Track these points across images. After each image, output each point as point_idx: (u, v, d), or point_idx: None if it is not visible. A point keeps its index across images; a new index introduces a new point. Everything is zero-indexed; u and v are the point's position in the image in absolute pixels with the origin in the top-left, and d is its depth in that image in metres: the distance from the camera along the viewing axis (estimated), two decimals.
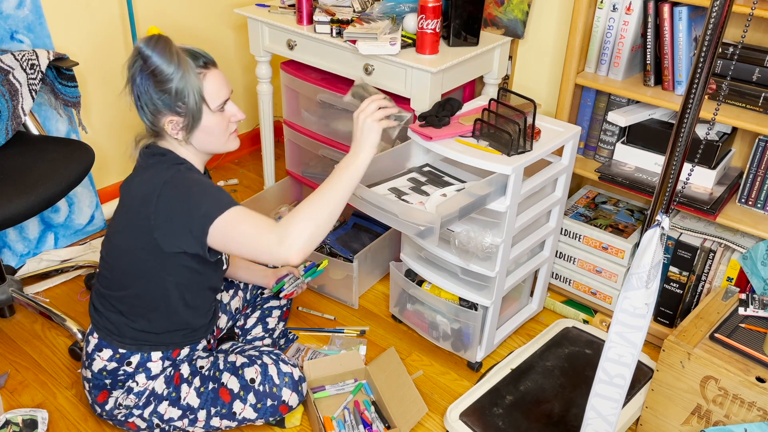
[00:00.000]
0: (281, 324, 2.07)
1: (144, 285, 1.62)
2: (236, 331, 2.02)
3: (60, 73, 2.20)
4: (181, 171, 1.54)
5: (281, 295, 2.01)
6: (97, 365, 1.67)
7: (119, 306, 1.65)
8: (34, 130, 2.20)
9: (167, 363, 1.69)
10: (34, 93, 2.11)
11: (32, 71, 2.09)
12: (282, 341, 2.11)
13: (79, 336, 2.03)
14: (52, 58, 2.13)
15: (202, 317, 1.73)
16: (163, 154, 1.57)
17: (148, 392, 1.68)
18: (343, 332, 2.20)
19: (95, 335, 1.68)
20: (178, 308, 1.65)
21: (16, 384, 1.98)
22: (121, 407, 1.69)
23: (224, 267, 1.75)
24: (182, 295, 1.65)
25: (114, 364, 1.66)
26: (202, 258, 1.54)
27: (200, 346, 1.77)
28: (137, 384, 1.67)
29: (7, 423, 1.79)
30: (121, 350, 1.65)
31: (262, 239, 1.44)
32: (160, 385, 1.69)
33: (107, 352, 1.66)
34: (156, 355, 1.67)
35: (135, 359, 1.66)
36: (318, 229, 1.45)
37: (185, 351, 1.72)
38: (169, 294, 1.63)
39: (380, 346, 2.15)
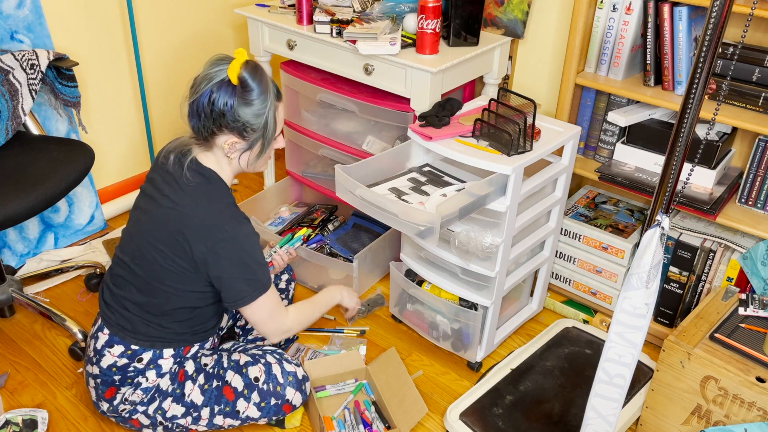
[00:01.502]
0: None
1: (166, 295, 1.63)
2: (236, 330, 2.02)
3: (60, 73, 2.20)
4: (242, 224, 1.58)
5: None
6: (107, 361, 1.67)
7: (135, 309, 1.65)
8: (34, 130, 2.19)
9: (177, 360, 1.70)
10: (34, 93, 2.11)
11: (32, 71, 2.09)
12: (282, 341, 2.11)
13: (80, 336, 2.03)
14: (52, 58, 2.13)
15: (215, 318, 1.76)
16: (209, 177, 1.59)
17: (153, 388, 1.68)
18: (343, 332, 2.20)
19: (105, 331, 1.68)
20: (194, 314, 1.67)
21: (16, 384, 1.98)
22: (126, 403, 1.69)
23: None
24: (201, 304, 1.67)
25: (125, 360, 1.66)
26: None
27: (207, 344, 1.77)
28: (146, 380, 1.68)
29: (7, 423, 1.79)
30: (133, 346, 1.66)
31: (272, 330, 1.70)
32: (165, 382, 1.69)
33: (119, 348, 1.66)
34: (168, 352, 1.68)
35: (147, 356, 1.66)
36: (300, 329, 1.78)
37: (194, 348, 1.73)
38: (189, 304, 1.65)
39: (380, 346, 2.15)
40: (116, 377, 1.67)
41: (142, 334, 1.66)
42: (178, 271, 1.59)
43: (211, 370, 1.73)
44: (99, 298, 1.75)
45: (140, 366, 1.66)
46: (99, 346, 1.68)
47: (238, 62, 1.49)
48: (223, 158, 1.60)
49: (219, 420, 1.73)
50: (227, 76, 1.50)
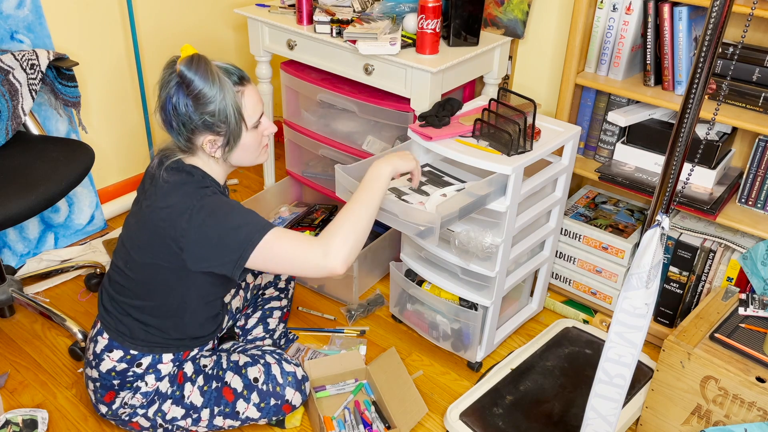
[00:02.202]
0: (282, 325, 2.08)
1: (163, 297, 1.62)
2: (236, 330, 2.02)
3: (60, 73, 2.20)
4: (208, 195, 1.52)
5: None
6: (106, 365, 1.66)
7: (134, 312, 1.65)
8: (34, 130, 2.20)
9: (176, 363, 1.70)
10: (34, 93, 2.11)
11: (32, 71, 2.09)
12: (282, 341, 2.11)
13: (80, 336, 2.03)
14: (52, 58, 2.13)
15: (213, 323, 1.75)
16: (189, 172, 1.55)
17: (153, 392, 1.68)
18: (343, 332, 2.20)
19: (105, 335, 1.67)
20: (192, 317, 1.67)
21: (16, 384, 1.98)
22: (126, 407, 1.68)
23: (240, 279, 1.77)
24: (198, 306, 1.66)
25: (124, 365, 1.66)
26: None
27: (207, 345, 1.77)
28: (146, 384, 1.67)
29: (7, 423, 1.79)
30: (132, 351, 1.65)
31: (307, 255, 1.48)
32: (164, 384, 1.69)
33: (118, 353, 1.66)
34: (167, 357, 1.67)
35: (146, 361, 1.66)
36: (358, 237, 1.51)
37: (194, 352, 1.73)
38: (187, 306, 1.64)
39: (380, 346, 2.15)
40: (115, 381, 1.67)
41: (140, 339, 1.65)
42: (168, 268, 1.56)
43: (210, 372, 1.73)
44: (98, 302, 1.74)
45: (139, 371, 1.66)
46: (98, 350, 1.68)
47: (179, 60, 1.47)
48: (210, 159, 1.57)
49: (219, 421, 1.73)
50: (179, 79, 1.47)
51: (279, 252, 1.49)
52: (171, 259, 1.54)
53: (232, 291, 1.99)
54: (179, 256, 1.52)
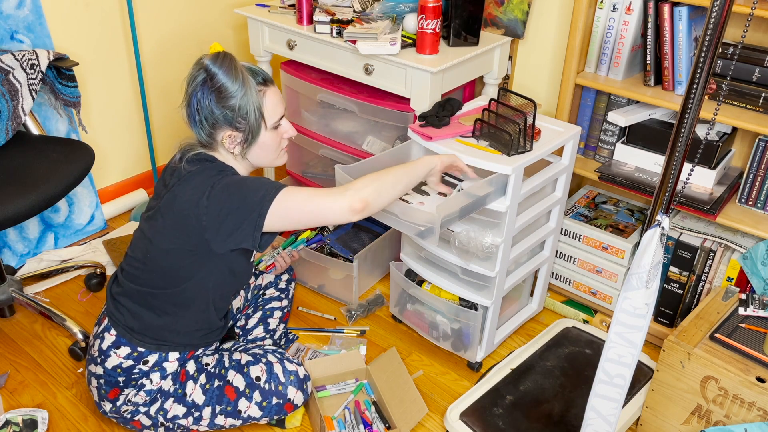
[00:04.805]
0: (282, 326, 2.08)
1: (184, 285, 1.63)
2: (237, 331, 2.02)
3: (60, 73, 2.20)
4: (227, 174, 1.57)
5: (260, 267, 2.03)
6: (112, 362, 1.67)
7: (152, 301, 1.65)
8: (34, 130, 2.19)
9: (180, 362, 1.70)
10: (34, 93, 2.11)
11: (32, 71, 2.09)
12: (282, 341, 2.12)
13: (80, 336, 2.03)
14: (52, 58, 2.13)
15: (222, 318, 1.76)
16: (210, 160, 1.59)
17: (156, 390, 1.68)
18: (343, 332, 2.20)
19: (113, 332, 1.68)
20: (207, 308, 1.68)
21: (16, 384, 1.98)
22: (129, 404, 1.69)
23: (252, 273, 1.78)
24: (214, 296, 1.67)
25: (130, 362, 1.66)
26: (245, 259, 1.62)
27: (210, 347, 1.78)
28: (150, 382, 1.67)
29: (7, 423, 1.79)
30: (140, 348, 1.66)
31: (326, 196, 1.52)
32: (167, 382, 1.69)
33: (125, 350, 1.66)
34: (173, 355, 1.68)
35: (152, 358, 1.66)
36: (382, 185, 1.55)
37: (198, 352, 1.73)
38: (206, 294, 1.65)
39: (380, 346, 2.15)
40: (120, 378, 1.67)
41: (149, 336, 1.66)
42: (191, 252, 1.57)
43: (212, 370, 1.73)
44: (107, 298, 1.74)
45: (145, 368, 1.66)
46: (105, 346, 1.68)
47: (207, 56, 1.51)
48: (229, 155, 1.61)
49: (220, 420, 1.73)
50: (205, 74, 1.52)
51: (297, 202, 1.51)
52: (194, 242, 1.55)
53: None
54: (203, 236, 1.54)
